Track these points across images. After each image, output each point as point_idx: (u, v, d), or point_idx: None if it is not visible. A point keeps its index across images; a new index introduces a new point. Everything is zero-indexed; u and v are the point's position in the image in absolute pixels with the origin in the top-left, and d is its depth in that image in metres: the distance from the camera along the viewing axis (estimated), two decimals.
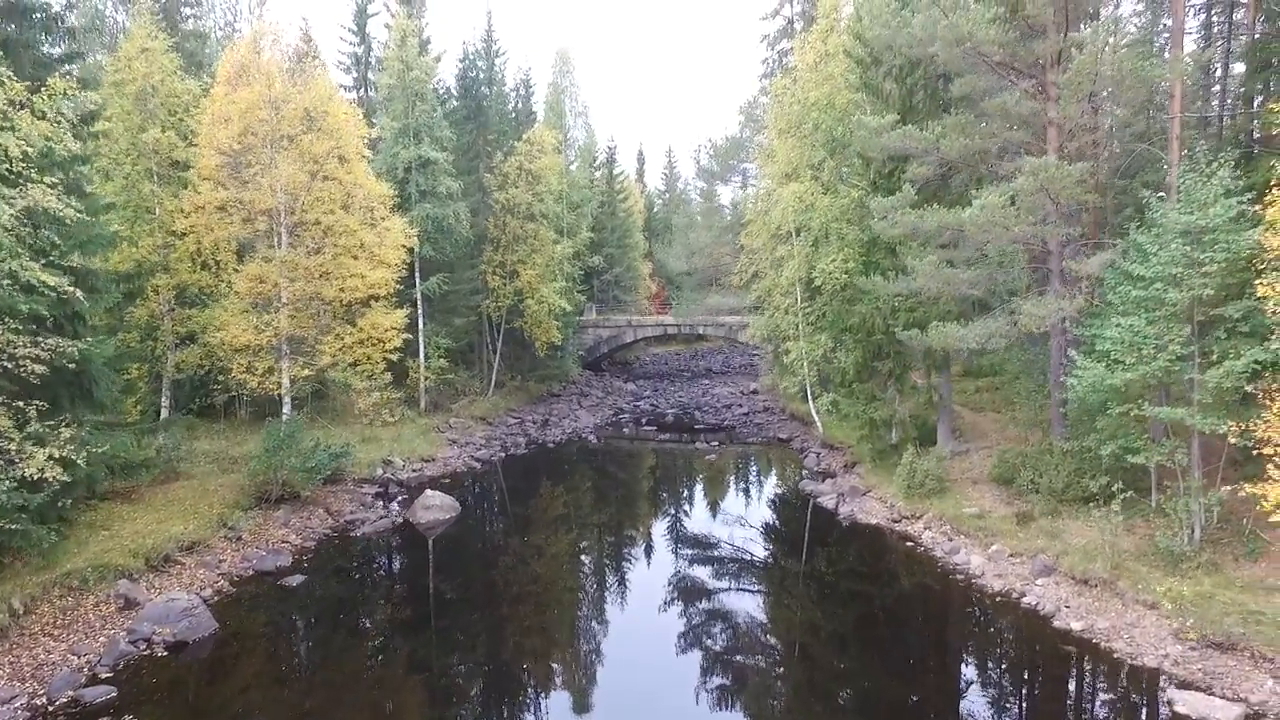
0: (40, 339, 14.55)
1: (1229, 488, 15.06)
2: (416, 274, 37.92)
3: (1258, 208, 14.56)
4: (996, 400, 31.45)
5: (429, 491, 25.27)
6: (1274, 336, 12.85)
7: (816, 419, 29.11)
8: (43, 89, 13.91)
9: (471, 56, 49.02)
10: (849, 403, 25.78)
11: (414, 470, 30.59)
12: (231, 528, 21.67)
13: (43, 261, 13.91)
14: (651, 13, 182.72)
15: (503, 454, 34.48)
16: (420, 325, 38.40)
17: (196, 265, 25.57)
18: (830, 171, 26.01)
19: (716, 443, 36.68)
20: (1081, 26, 17.36)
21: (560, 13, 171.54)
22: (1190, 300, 15.11)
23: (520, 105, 56.70)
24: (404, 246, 25.80)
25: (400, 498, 27.92)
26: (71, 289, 14.26)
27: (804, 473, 29.89)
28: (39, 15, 17.99)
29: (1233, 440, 13.90)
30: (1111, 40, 16.21)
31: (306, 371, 23.33)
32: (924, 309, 22.39)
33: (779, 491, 28.73)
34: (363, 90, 43.42)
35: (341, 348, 22.80)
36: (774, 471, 31.66)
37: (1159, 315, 15.55)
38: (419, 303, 38.07)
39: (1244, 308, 14.96)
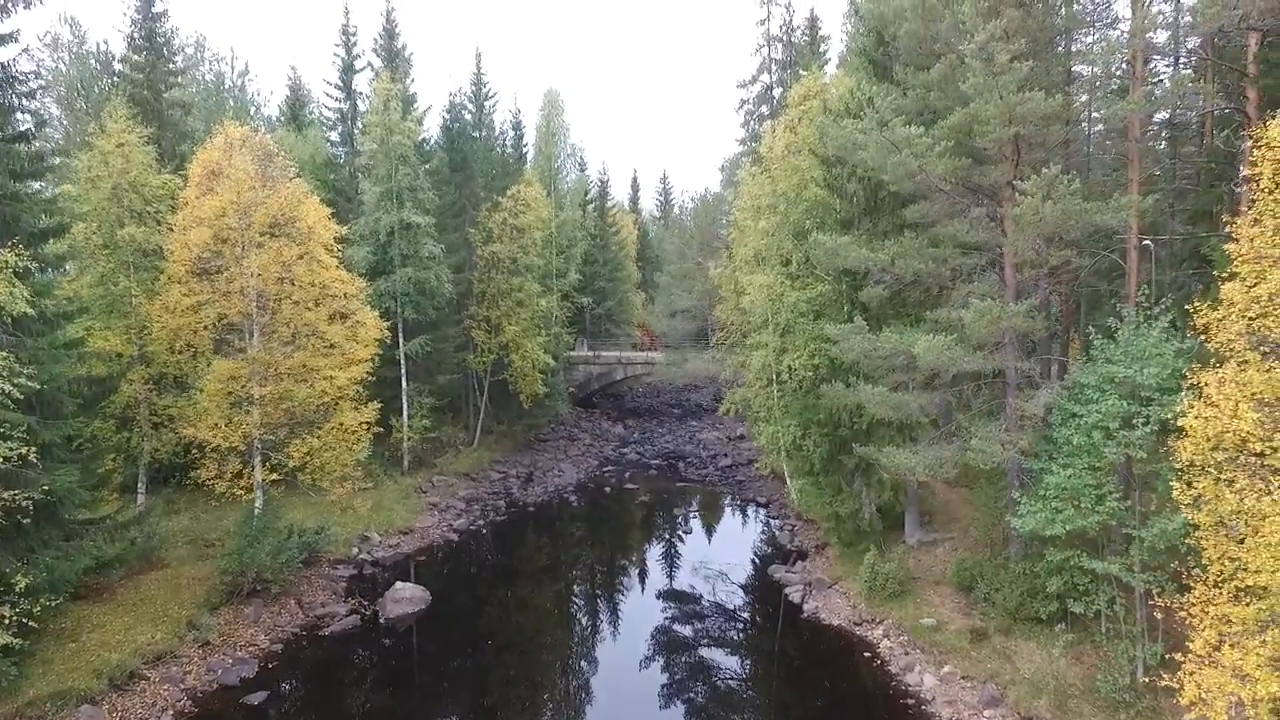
0: None
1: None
2: (400, 335, 38.24)
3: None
4: (969, 473, 31.55)
5: (399, 584, 25.52)
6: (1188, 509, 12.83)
7: (792, 492, 29.31)
8: None
9: (458, 106, 49.35)
10: (816, 493, 26.00)
11: (391, 546, 30.89)
12: (200, 630, 21.98)
13: None
14: (647, 30, 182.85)
15: (481, 521, 34.74)
16: (403, 385, 38.71)
17: (174, 351, 25.79)
18: (798, 263, 26.23)
19: (696, 509, 36.94)
20: (1039, 168, 17.49)
21: (553, 34, 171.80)
22: (1126, 457, 15.30)
23: (510, 149, 57.02)
24: (377, 340, 26.03)
25: (375, 573, 28.25)
26: (29, 450, 14.57)
27: (775, 550, 30.24)
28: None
29: (1159, 615, 14.08)
30: (1063, 184, 16.26)
31: (275, 476, 23.61)
32: None
33: (750, 575, 28.87)
34: (349, 146, 43.65)
35: (309, 451, 23.08)
36: (748, 547, 31.82)
37: (1098, 465, 15.74)
38: (402, 362, 38.39)
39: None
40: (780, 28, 37.98)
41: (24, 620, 14.92)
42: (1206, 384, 11.14)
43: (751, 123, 40.91)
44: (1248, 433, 10.28)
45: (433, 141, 45.57)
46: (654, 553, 32.38)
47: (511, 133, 58.73)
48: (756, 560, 30.06)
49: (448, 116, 47.58)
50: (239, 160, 22.82)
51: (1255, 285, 10.65)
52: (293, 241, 22.92)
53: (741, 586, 27.76)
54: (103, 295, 25.28)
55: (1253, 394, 10.42)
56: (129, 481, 27.85)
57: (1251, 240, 11.00)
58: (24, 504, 15.19)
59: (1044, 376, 20.57)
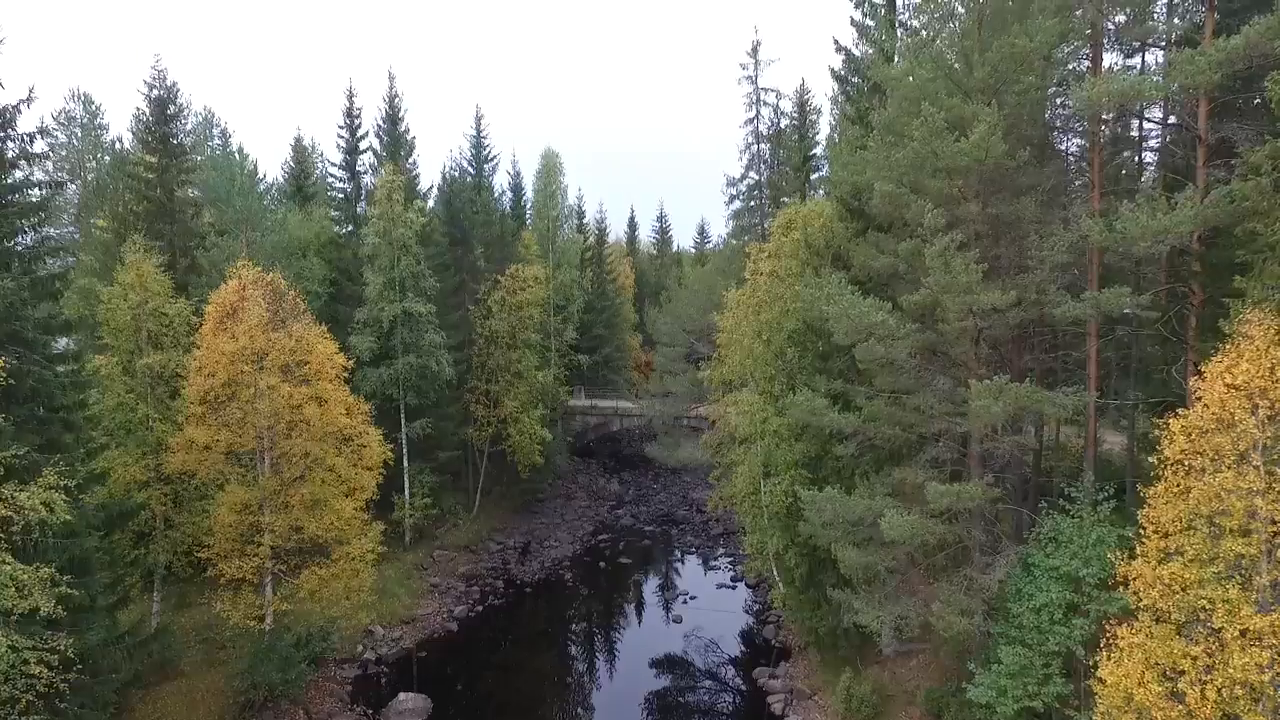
0: (37, 679, 16.27)
1: None
2: (402, 417, 39.75)
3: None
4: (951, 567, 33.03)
5: (401, 695, 27.02)
6: None
7: (777, 600, 30.67)
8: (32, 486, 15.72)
9: (458, 180, 50.83)
10: (797, 605, 27.44)
11: (394, 640, 32.27)
12: None
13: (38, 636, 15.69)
14: (648, 44, 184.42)
15: (480, 607, 36.09)
16: (404, 464, 40.13)
17: (189, 476, 27.07)
18: (780, 385, 27.67)
19: (687, 592, 38.36)
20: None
21: (552, 48, 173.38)
22: (1068, 646, 16.74)
23: (509, 210, 58.48)
24: (382, 463, 27.53)
25: (379, 672, 29.72)
26: (68, 644, 16.01)
27: (761, 643, 31.76)
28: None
29: None
30: (1011, 390, 17.69)
31: (286, 605, 25.06)
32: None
33: (736, 673, 30.38)
34: (353, 226, 45.04)
35: (320, 581, 24.50)
36: (736, 642, 33.22)
37: (1044, 649, 17.17)
38: (404, 443, 39.79)
39: None
40: (768, 128, 39.52)
41: None
42: (1121, 638, 12.57)
43: (744, 214, 42.50)
44: (1150, 703, 11.71)
45: (431, 212, 46.64)
46: (646, 649, 33.32)
47: (510, 194, 60.29)
48: (744, 657, 31.46)
49: (448, 190, 49.02)
50: (253, 306, 24.21)
51: (1160, 564, 12.09)
52: (303, 381, 24.34)
53: (726, 692, 29.22)
54: (122, 422, 26.70)
55: (1156, 663, 11.85)
56: (143, 578, 29.14)
57: (1159, 513, 12.42)
58: (61, 687, 16.61)
59: (1013, 531, 22.00)
